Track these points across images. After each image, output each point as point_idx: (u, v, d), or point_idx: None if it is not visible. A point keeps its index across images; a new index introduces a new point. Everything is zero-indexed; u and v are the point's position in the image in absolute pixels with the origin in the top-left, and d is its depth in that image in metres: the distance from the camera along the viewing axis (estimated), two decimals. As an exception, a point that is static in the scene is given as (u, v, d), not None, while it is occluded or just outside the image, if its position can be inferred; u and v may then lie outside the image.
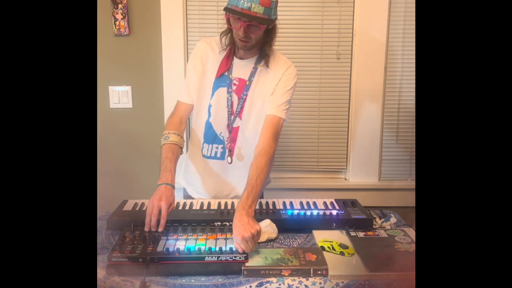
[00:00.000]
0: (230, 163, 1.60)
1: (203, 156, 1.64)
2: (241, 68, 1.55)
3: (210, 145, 1.62)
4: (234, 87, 1.56)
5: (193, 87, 1.59)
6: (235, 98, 1.56)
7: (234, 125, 1.59)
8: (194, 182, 1.71)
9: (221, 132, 1.60)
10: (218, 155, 1.61)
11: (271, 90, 1.53)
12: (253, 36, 1.44)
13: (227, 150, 1.60)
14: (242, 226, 1.20)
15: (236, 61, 1.56)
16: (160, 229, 1.29)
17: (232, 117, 1.57)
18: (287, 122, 1.56)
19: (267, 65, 1.53)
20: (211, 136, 1.61)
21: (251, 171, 1.40)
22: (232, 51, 1.55)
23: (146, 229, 1.29)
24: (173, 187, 1.39)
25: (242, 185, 1.40)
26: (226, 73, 1.55)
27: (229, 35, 1.52)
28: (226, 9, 1.41)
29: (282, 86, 1.53)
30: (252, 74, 1.55)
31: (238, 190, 1.64)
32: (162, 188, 1.36)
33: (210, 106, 1.59)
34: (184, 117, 1.61)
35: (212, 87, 1.57)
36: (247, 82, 1.55)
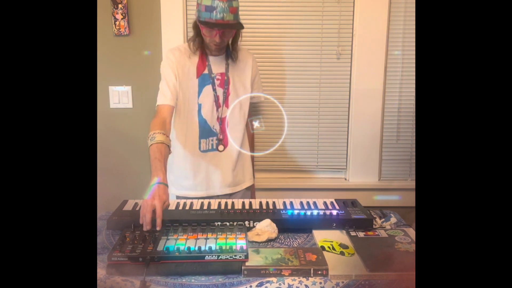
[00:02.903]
0: (222, 151, 1.77)
1: (201, 151, 1.77)
2: (217, 64, 1.74)
3: (206, 139, 1.77)
4: (217, 82, 1.74)
5: (173, 89, 1.69)
6: (220, 91, 1.74)
7: (223, 116, 1.76)
8: (180, 181, 1.80)
9: (213, 126, 1.76)
10: (214, 146, 1.78)
11: (249, 78, 1.78)
12: (226, 40, 1.66)
13: (220, 140, 1.77)
14: None
15: (211, 58, 1.73)
16: (158, 228, 1.29)
17: (220, 109, 1.75)
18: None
19: (237, 58, 1.75)
20: (206, 131, 1.76)
21: None
22: (203, 52, 1.72)
23: (144, 228, 1.29)
24: (166, 185, 1.41)
25: (227, 175, 1.74)
26: (206, 72, 1.72)
27: (196, 40, 1.69)
28: (201, 22, 1.59)
29: (257, 72, 1.83)
30: (227, 69, 1.74)
31: (226, 181, 1.80)
32: (155, 188, 1.38)
33: (200, 105, 1.73)
34: (168, 118, 1.64)
35: (198, 87, 1.72)
36: (226, 77, 1.74)
